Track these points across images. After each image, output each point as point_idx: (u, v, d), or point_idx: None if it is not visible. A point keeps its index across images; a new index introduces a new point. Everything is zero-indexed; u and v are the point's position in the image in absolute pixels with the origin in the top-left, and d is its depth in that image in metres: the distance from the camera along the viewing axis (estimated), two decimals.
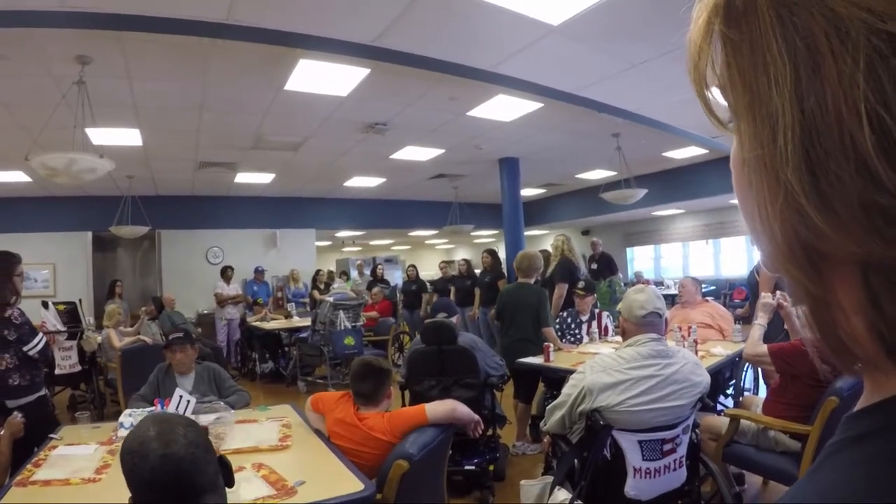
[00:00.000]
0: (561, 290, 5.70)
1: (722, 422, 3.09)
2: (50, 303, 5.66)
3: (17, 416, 2.76)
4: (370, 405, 2.57)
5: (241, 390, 3.52)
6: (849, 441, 0.33)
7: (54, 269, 9.69)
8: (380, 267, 11.14)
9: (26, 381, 3.26)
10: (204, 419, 2.67)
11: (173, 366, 3.43)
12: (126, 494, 1.37)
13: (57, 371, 5.53)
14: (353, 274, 12.38)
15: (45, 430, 2.88)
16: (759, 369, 4.69)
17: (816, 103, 0.27)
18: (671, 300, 6.85)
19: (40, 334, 3.43)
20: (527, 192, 11.77)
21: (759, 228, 0.33)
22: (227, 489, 1.46)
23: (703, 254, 13.90)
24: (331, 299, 7.10)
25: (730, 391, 4.61)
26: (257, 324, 8.57)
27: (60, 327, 5.52)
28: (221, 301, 9.57)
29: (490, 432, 3.93)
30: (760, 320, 3.20)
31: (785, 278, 0.33)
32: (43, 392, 3.45)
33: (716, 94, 0.36)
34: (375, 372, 2.62)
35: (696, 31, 0.35)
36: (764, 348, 2.99)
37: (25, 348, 3.25)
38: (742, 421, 3.00)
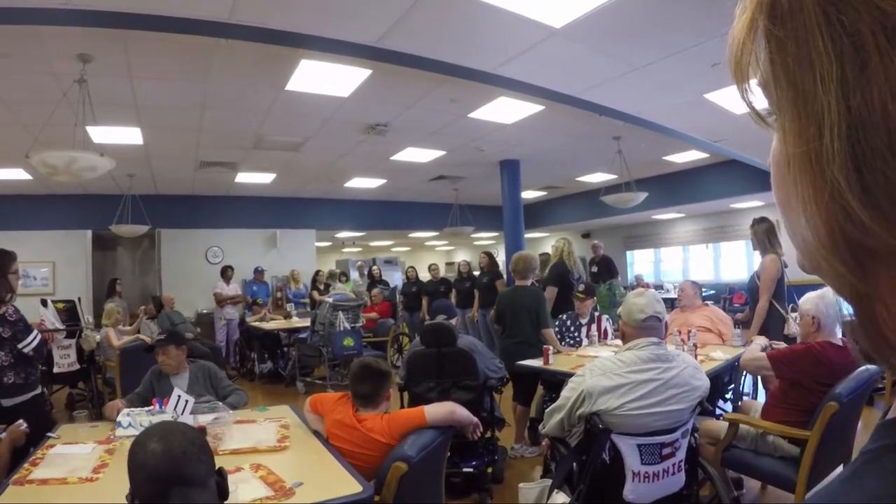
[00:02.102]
0: (550, 293, 5.71)
1: (721, 426, 3.08)
2: (49, 301, 5.65)
3: (22, 426, 2.72)
4: (369, 407, 2.56)
5: (239, 390, 3.49)
6: (888, 448, 0.33)
7: (54, 267, 9.69)
8: (374, 268, 11.15)
9: (21, 379, 3.25)
10: (202, 419, 2.67)
11: (161, 368, 3.41)
12: (122, 493, 1.40)
13: (55, 369, 5.52)
14: (354, 275, 12.39)
15: (41, 430, 2.86)
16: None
17: (863, 100, 0.28)
18: (671, 304, 6.85)
19: (35, 331, 3.41)
20: (527, 195, 11.77)
21: (804, 224, 0.33)
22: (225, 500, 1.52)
23: (703, 258, 13.90)
24: (330, 300, 7.10)
25: (729, 395, 4.60)
26: (256, 324, 8.57)
27: (59, 326, 5.52)
28: (221, 301, 9.57)
29: (489, 435, 3.93)
30: (760, 342, 3.21)
31: (827, 274, 0.33)
32: (38, 391, 3.43)
33: (755, 90, 0.36)
34: (375, 373, 2.61)
35: (739, 27, 0.35)
36: (762, 355, 2.99)
37: (20, 346, 3.24)
38: (741, 425, 3.00)
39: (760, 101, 0.36)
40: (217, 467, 1.51)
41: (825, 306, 2.94)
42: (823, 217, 0.31)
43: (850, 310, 0.33)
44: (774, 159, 0.36)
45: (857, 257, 0.30)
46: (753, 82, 0.35)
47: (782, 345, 3.19)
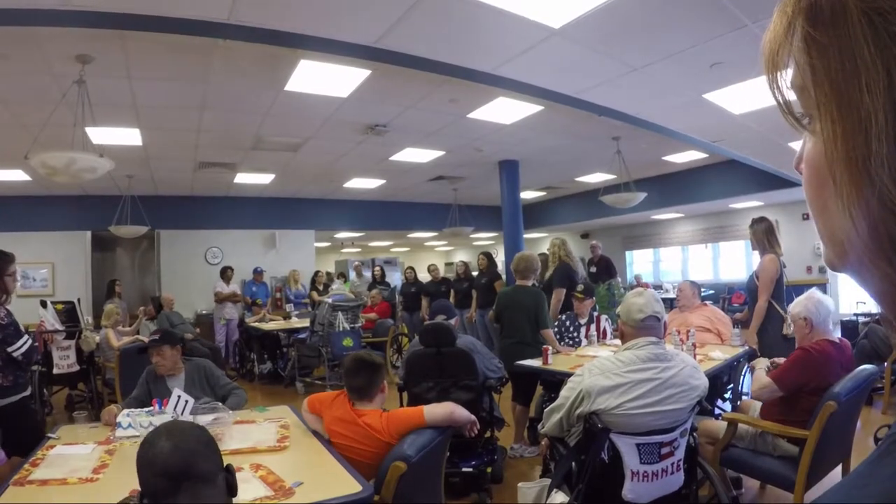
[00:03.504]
0: (559, 294, 5.71)
1: (720, 426, 3.09)
2: (48, 302, 5.66)
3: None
4: (365, 400, 2.57)
5: (238, 389, 3.42)
6: None
7: (53, 268, 9.69)
8: (377, 269, 11.13)
9: (9, 381, 3.22)
10: (202, 419, 2.66)
11: (156, 369, 3.34)
12: (122, 494, 1.40)
13: (55, 370, 5.53)
14: (352, 276, 12.38)
15: (29, 434, 2.84)
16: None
17: None
18: (670, 304, 6.85)
19: (26, 336, 3.37)
20: (526, 195, 11.78)
21: (848, 225, 0.33)
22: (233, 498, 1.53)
23: (702, 258, 13.92)
24: (329, 300, 7.10)
25: (728, 395, 4.61)
26: (256, 324, 8.57)
27: (59, 327, 5.53)
28: (221, 299, 9.55)
29: (488, 434, 3.93)
30: (762, 366, 3.21)
31: (868, 271, 0.34)
32: (27, 393, 3.39)
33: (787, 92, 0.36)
34: (368, 366, 2.63)
35: (777, 29, 0.35)
36: (769, 381, 2.97)
37: (10, 349, 3.21)
38: (740, 425, 3.01)
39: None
40: (226, 465, 1.52)
41: (814, 306, 2.96)
42: (869, 220, 0.31)
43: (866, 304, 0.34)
44: (812, 162, 0.36)
45: None
46: (785, 84, 0.36)
47: (781, 360, 3.19)
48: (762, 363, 3.25)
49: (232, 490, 1.50)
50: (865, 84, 0.29)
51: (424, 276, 10.25)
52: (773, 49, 0.36)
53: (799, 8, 0.33)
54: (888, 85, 0.28)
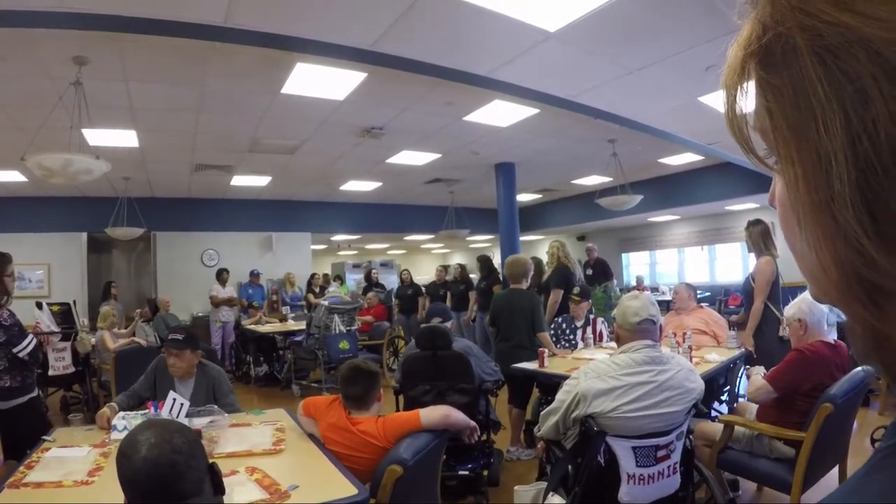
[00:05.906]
0: (556, 296, 5.72)
1: (716, 428, 3.10)
2: (44, 303, 5.64)
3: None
4: (361, 409, 2.56)
5: (239, 411, 3.24)
6: None
7: (49, 269, 9.65)
8: (374, 272, 11.12)
9: (17, 382, 3.23)
10: (197, 422, 2.66)
11: (169, 369, 3.21)
12: (117, 497, 1.39)
13: (50, 372, 5.50)
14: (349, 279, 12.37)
15: (38, 433, 2.85)
16: None
17: (870, 145, 0.28)
18: (666, 306, 6.86)
19: (30, 336, 3.39)
20: (522, 198, 11.79)
21: (816, 267, 0.33)
22: (223, 496, 1.48)
23: (698, 260, 13.94)
24: (326, 303, 7.09)
25: (724, 397, 4.61)
26: (252, 327, 8.56)
27: (54, 328, 5.50)
28: (217, 303, 9.54)
29: (484, 437, 3.93)
30: (758, 372, 3.23)
31: (843, 310, 0.33)
32: (35, 393, 3.41)
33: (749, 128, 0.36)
34: (365, 374, 2.62)
35: (731, 76, 0.35)
36: (763, 382, 2.98)
37: (15, 350, 3.22)
38: (736, 427, 3.01)
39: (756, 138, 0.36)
40: (209, 464, 1.46)
41: (808, 307, 2.98)
42: (837, 261, 0.31)
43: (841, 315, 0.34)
44: (780, 203, 0.36)
45: (873, 298, 0.30)
46: (748, 126, 0.35)
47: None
48: (759, 370, 3.26)
49: (219, 489, 1.46)
50: (822, 124, 0.29)
51: (421, 279, 10.22)
52: (731, 94, 0.35)
53: (749, 52, 0.33)
54: (845, 123, 0.28)
